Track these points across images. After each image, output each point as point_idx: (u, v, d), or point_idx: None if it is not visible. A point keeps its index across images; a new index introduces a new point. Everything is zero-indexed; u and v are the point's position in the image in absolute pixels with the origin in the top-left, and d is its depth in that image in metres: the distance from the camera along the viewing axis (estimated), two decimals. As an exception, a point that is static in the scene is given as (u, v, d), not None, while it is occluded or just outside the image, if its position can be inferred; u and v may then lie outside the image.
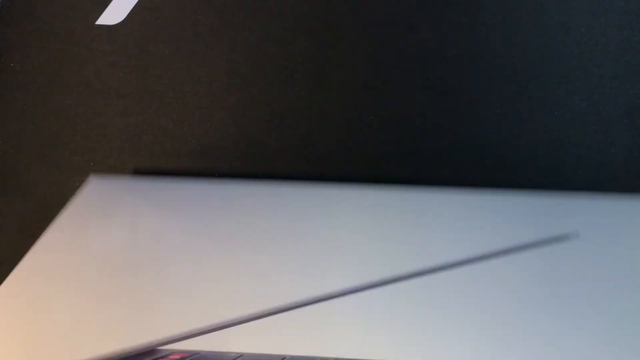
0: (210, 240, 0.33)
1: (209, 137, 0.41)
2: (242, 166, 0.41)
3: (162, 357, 0.27)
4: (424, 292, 0.30)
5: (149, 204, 0.36)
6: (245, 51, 0.43)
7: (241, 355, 0.27)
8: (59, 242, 0.34)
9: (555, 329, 0.29)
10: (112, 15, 0.44)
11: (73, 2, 0.44)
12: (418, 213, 0.34)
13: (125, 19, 0.44)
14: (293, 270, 0.32)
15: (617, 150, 0.40)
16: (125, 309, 0.30)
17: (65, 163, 0.41)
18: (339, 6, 0.43)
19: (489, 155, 0.39)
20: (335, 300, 0.30)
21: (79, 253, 0.33)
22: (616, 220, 0.34)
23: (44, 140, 0.42)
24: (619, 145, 0.40)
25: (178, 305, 0.30)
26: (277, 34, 0.43)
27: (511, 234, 0.32)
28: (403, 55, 0.42)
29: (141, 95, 0.42)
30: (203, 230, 0.34)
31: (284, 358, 0.27)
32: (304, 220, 0.34)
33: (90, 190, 0.38)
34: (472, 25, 0.42)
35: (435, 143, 0.40)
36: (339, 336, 0.29)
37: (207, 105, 0.42)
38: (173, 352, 0.27)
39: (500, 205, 0.34)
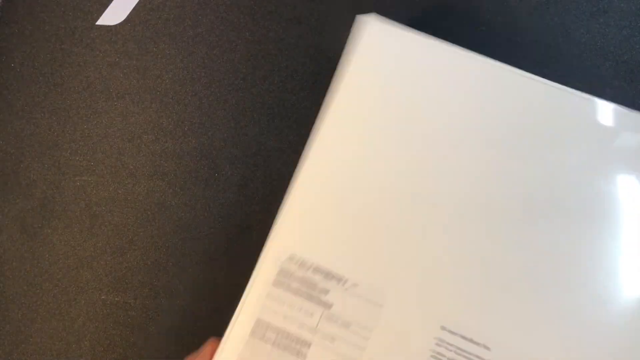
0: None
1: (209, 137, 0.41)
2: (242, 167, 0.41)
3: None
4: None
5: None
6: (245, 51, 0.43)
7: None
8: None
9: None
10: (112, 16, 0.44)
11: (73, 2, 0.44)
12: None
13: (125, 20, 0.44)
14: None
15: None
16: None
17: (65, 163, 0.41)
18: (339, 5, 0.43)
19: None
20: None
21: None
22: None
23: (44, 140, 0.42)
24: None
25: None
26: (277, 34, 0.43)
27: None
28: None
29: (141, 95, 0.42)
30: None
31: None
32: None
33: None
34: (472, 27, 0.42)
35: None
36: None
37: (207, 105, 0.42)
38: None
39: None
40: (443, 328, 0.31)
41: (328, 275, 0.32)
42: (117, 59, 0.43)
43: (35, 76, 0.43)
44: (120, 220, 0.40)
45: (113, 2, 0.44)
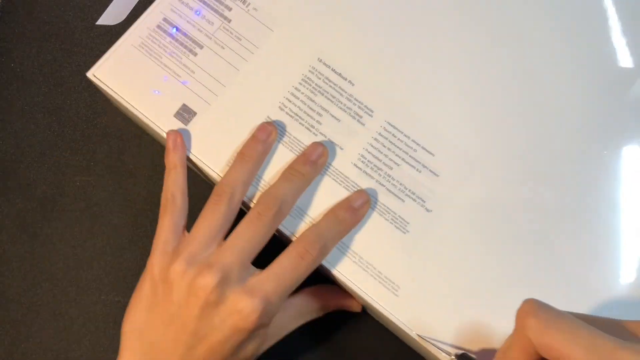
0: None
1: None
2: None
3: None
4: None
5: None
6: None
7: None
8: None
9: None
10: (112, 16, 0.44)
11: (73, 2, 0.44)
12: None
13: (125, 20, 0.44)
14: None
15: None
16: None
17: (65, 163, 0.41)
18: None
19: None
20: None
21: None
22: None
23: (44, 140, 0.42)
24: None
25: None
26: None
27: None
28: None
29: (141, 95, 0.42)
30: None
31: None
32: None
33: None
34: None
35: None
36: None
37: (207, 105, 0.42)
38: None
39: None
40: (320, 60, 0.36)
41: None
42: (117, 59, 0.43)
43: (35, 76, 0.43)
44: (120, 220, 0.40)
45: (113, 2, 0.44)
